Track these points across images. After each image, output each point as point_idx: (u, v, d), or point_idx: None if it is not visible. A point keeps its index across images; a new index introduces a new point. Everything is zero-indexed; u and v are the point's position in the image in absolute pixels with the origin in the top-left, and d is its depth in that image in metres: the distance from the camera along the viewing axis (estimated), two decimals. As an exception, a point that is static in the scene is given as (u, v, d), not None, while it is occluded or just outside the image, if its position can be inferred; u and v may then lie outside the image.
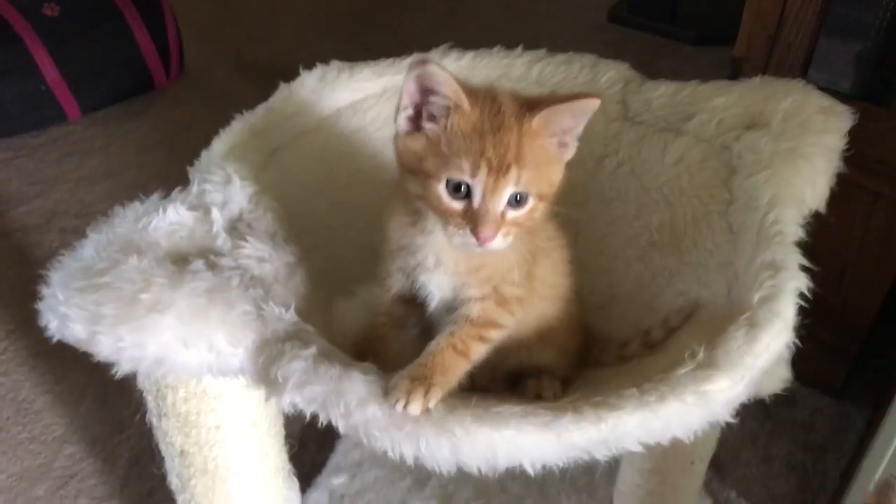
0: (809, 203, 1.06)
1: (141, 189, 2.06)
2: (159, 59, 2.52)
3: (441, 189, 0.81)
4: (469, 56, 1.27)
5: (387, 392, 0.81)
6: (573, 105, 0.82)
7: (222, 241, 0.96)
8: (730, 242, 1.04)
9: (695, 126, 1.17)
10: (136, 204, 0.98)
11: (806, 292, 0.91)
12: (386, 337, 1.00)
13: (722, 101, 1.16)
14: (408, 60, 1.26)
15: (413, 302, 0.97)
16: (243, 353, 0.87)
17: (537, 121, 0.81)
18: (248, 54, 2.88)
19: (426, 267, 0.91)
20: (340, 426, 0.82)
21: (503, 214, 0.81)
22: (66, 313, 0.85)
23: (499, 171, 0.79)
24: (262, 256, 0.96)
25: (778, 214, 0.99)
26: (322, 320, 1.00)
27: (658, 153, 1.18)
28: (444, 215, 0.83)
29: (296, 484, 1.22)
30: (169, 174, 2.22)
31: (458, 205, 0.82)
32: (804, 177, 1.05)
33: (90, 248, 0.91)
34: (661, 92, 1.21)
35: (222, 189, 1.02)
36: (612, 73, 1.25)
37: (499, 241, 0.82)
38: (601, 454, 0.81)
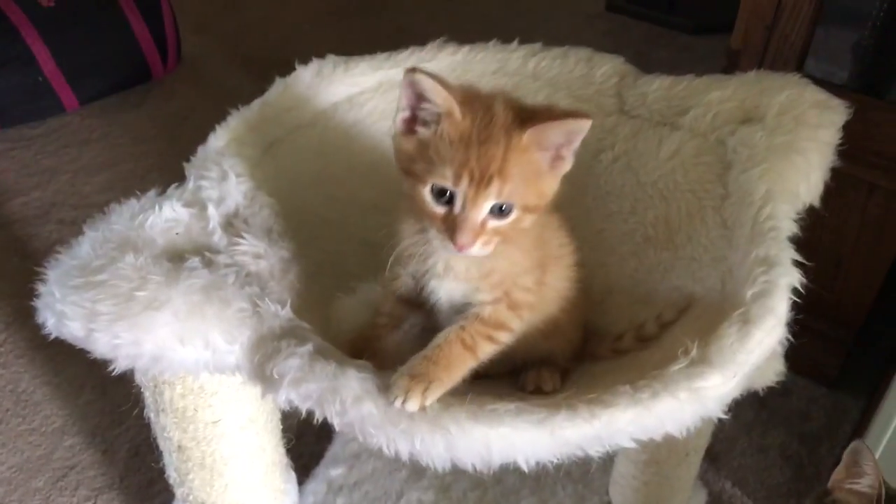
0: (804, 198, 1.06)
1: (139, 180, 2.06)
2: (156, 49, 2.52)
3: (426, 193, 0.83)
4: (464, 50, 1.27)
5: (387, 388, 0.82)
6: (564, 124, 0.82)
7: (218, 237, 0.97)
8: (724, 237, 1.04)
9: (690, 120, 1.17)
10: (133, 201, 0.98)
11: (799, 288, 0.92)
12: (384, 337, 1.01)
13: (717, 95, 1.16)
14: (404, 54, 1.27)
15: (415, 303, 0.98)
16: (239, 350, 0.88)
17: (527, 137, 0.81)
18: (245, 45, 2.87)
19: (436, 273, 0.92)
20: (336, 423, 0.83)
21: (483, 223, 0.82)
22: (63, 311, 0.85)
23: (480, 182, 0.80)
24: (258, 253, 0.97)
25: (772, 210, 0.99)
26: (318, 316, 1.00)
27: (653, 147, 1.18)
28: (429, 219, 0.84)
29: (293, 477, 1.23)
30: (167, 165, 2.24)
31: (440, 210, 0.83)
32: (799, 172, 1.05)
33: (87, 245, 0.91)
34: (657, 86, 1.21)
35: (218, 185, 1.02)
36: (608, 66, 1.25)
37: (477, 249, 0.83)
38: (595, 450, 0.82)
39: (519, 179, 0.81)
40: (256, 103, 1.16)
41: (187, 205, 0.98)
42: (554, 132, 0.82)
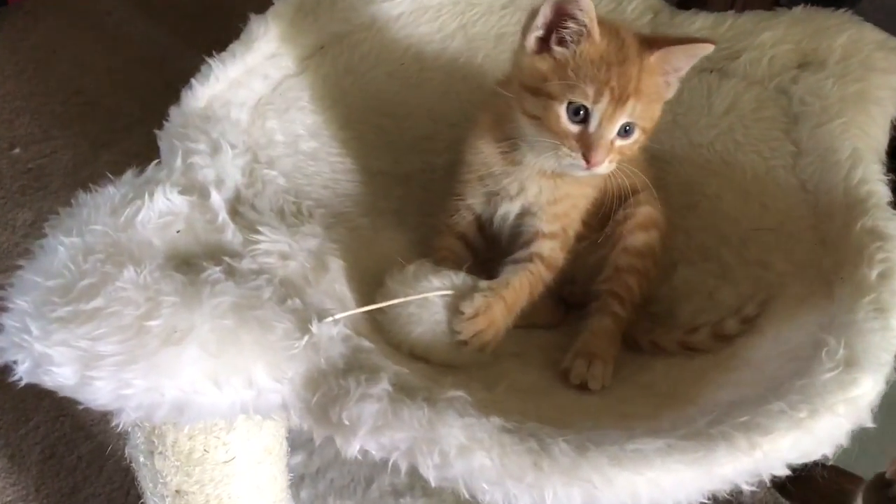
0: (882, 153, 0.96)
1: (6, 126, 1.73)
2: (11, -33, 2.14)
3: (562, 111, 0.84)
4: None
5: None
6: (689, 48, 0.86)
7: (231, 233, 0.75)
8: (805, 203, 0.94)
9: (743, 66, 1.06)
10: (109, 188, 0.74)
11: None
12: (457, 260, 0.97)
13: (769, 36, 1.05)
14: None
15: (472, 241, 1.00)
16: (288, 387, 0.68)
17: (655, 58, 0.85)
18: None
19: (508, 194, 0.94)
20: (431, 477, 0.66)
21: (612, 142, 0.85)
22: (47, 354, 0.62)
23: (619, 100, 0.83)
24: (284, 251, 0.76)
25: (864, 172, 0.90)
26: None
27: (702, 100, 1.06)
28: (560, 137, 0.86)
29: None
30: (39, 109, 1.92)
31: (574, 128, 0.85)
32: (878, 125, 0.97)
33: (62, 256, 0.67)
34: (699, 25, 1.09)
35: (212, 161, 0.79)
36: (638, 1, 1.10)
37: (605, 167, 0.86)
38: (746, 482, 0.69)
39: (646, 100, 0.85)
40: (236, 50, 0.93)
41: (184, 191, 0.75)
42: (678, 55, 0.86)
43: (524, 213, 0.94)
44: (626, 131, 0.85)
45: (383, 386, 0.67)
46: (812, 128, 0.97)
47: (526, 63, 0.87)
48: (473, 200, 0.97)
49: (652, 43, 0.85)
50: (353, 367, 0.68)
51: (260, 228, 0.77)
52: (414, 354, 0.84)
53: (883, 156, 0.97)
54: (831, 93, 0.98)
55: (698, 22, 1.09)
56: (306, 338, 0.68)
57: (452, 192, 0.98)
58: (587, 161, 0.84)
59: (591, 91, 0.83)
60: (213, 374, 0.65)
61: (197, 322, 0.65)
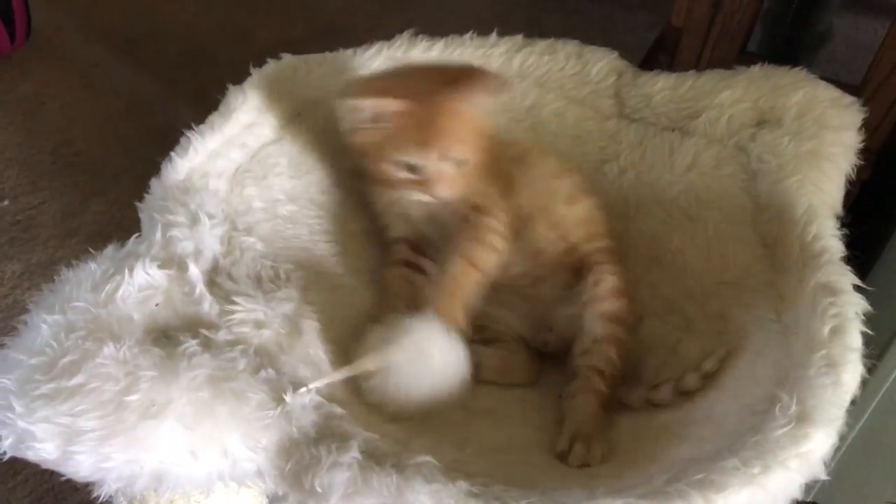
0: (836, 208, 0.99)
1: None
2: (1, 22, 2.16)
3: (390, 170, 0.95)
4: (440, 46, 1.12)
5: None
6: (480, 90, 0.96)
7: (208, 305, 0.78)
8: (765, 258, 0.96)
9: (703, 125, 1.08)
10: (90, 264, 0.77)
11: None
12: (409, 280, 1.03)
13: (728, 95, 1.08)
14: (371, 52, 1.11)
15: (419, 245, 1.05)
16: (263, 456, 0.71)
17: (453, 103, 0.95)
18: (102, 14, 2.53)
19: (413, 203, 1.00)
20: (402, 539, 0.68)
21: (442, 172, 0.94)
22: (30, 430, 0.65)
23: (432, 145, 0.93)
24: (259, 319, 0.79)
25: (819, 228, 0.92)
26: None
27: (665, 157, 1.08)
28: (401, 186, 0.97)
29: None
30: (27, 161, 1.94)
31: (412, 176, 0.95)
32: (832, 181, 0.99)
33: (45, 333, 0.70)
34: (661, 86, 1.11)
35: (191, 233, 0.82)
36: (602, 63, 1.13)
37: (448, 192, 0.96)
38: (705, 538, 0.71)
39: (460, 135, 0.94)
40: (215, 122, 0.95)
41: (163, 265, 0.78)
42: (474, 94, 0.96)
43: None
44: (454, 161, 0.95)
45: (353, 454, 0.69)
46: (770, 184, 0.99)
47: (351, 140, 0.98)
48: (397, 229, 1.05)
49: (451, 82, 0.95)
50: (325, 436, 0.71)
51: (235, 299, 0.79)
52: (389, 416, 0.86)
53: (838, 210, 1.00)
54: (787, 150, 1.01)
55: (660, 83, 1.12)
56: (279, 408, 0.71)
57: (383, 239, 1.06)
58: (432, 196, 0.95)
59: (402, 149, 0.94)
60: (190, 446, 0.68)
61: (174, 395, 0.68)
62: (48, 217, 1.81)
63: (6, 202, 1.84)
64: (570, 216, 1.02)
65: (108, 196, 1.86)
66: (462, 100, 0.95)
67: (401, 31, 1.16)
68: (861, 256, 0.92)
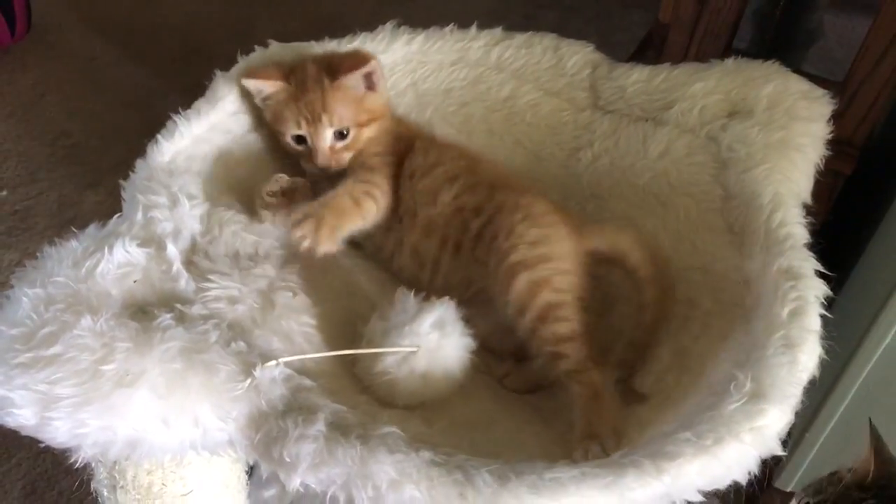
0: (804, 197, 1.02)
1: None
2: (1, 14, 2.20)
3: (288, 142, 1.07)
4: (420, 39, 1.16)
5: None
6: (354, 75, 1.06)
7: (185, 282, 0.81)
8: (732, 244, 0.98)
9: (676, 115, 1.10)
10: (72, 242, 0.80)
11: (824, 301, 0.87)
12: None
13: (701, 87, 1.10)
14: (355, 42, 1.13)
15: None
16: (233, 426, 0.73)
17: (334, 85, 1.05)
18: (102, 7, 2.56)
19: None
20: (366, 507, 0.71)
21: (332, 147, 1.06)
22: (9, 397, 0.68)
23: (315, 121, 1.04)
24: (233, 296, 0.82)
25: (784, 215, 0.94)
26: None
27: (638, 145, 1.11)
28: (296, 155, 1.08)
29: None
30: (26, 152, 1.97)
31: (302, 147, 1.07)
32: (800, 171, 1.01)
33: (25, 306, 0.73)
34: (635, 78, 1.13)
35: (171, 214, 0.85)
36: (578, 57, 1.16)
37: (338, 164, 1.06)
38: (664, 508, 0.74)
39: (342, 110, 1.05)
40: (201, 107, 0.99)
41: (142, 244, 0.81)
42: (352, 79, 1.05)
43: None
44: (342, 135, 1.06)
45: (318, 427, 0.72)
46: (739, 173, 1.01)
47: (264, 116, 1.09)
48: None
49: (336, 71, 1.04)
50: (292, 408, 0.74)
51: (211, 276, 0.82)
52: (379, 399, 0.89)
53: (805, 199, 1.01)
54: (756, 140, 1.03)
55: (634, 75, 1.14)
56: (249, 380, 0.74)
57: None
58: (318, 167, 1.06)
59: (293, 124, 1.05)
60: (163, 414, 0.71)
61: (147, 366, 0.71)
62: (46, 207, 1.85)
63: (4, 192, 1.87)
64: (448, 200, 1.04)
65: (105, 187, 1.89)
66: (341, 80, 1.04)
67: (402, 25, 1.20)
68: (823, 244, 0.94)
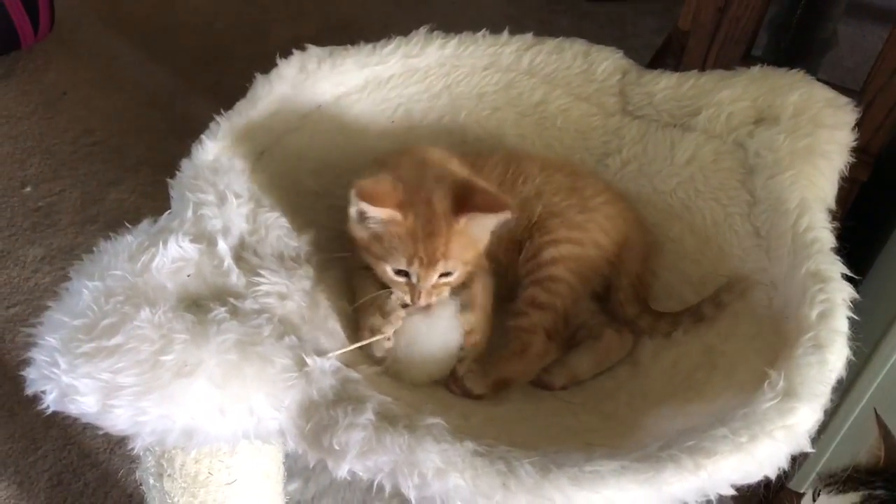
0: (829, 203, 1.04)
1: (18, 166, 1.80)
2: (25, 13, 2.22)
3: (388, 269, 0.97)
4: (453, 43, 1.18)
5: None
6: (491, 217, 0.97)
7: (236, 277, 0.83)
8: (759, 247, 1.01)
9: (703, 121, 1.13)
10: (127, 237, 0.82)
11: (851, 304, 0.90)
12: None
13: (728, 94, 1.13)
14: (389, 48, 1.16)
15: None
16: (285, 415, 0.76)
17: (462, 223, 0.96)
18: (122, 10, 2.59)
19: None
20: (412, 496, 0.74)
21: (434, 284, 0.97)
22: (73, 385, 0.71)
23: (429, 265, 0.95)
24: (282, 292, 0.85)
25: (811, 220, 0.97)
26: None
27: (665, 151, 1.13)
28: (391, 284, 0.98)
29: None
30: (49, 149, 2.00)
31: (401, 279, 0.97)
32: (825, 177, 1.04)
33: (86, 298, 0.75)
34: (664, 84, 1.16)
35: (219, 211, 0.88)
36: (608, 63, 1.18)
37: (433, 300, 0.98)
38: (695, 500, 0.76)
39: (458, 252, 0.96)
40: (242, 108, 1.01)
41: (194, 240, 0.84)
42: (483, 220, 0.97)
43: None
44: (447, 274, 0.97)
45: (368, 416, 0.75)
46: (765, 179, 1.04)
47: (352, 228, 0.98)
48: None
49: (462, 205, 0.95)
50: (342, 398, 0.76)
51: (261, 272, 0.85)
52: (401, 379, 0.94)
53: (830, 204, 1.04)
54: (783, 147, 1.05)
55: (663, 81, 1.17)
56: (301, 371, 0.77)
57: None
58: (414, 304, 0.98)
59: (403, 260, 0.95)
60: (219, 404, 0.73)
61: (205, 357, 0.74)
62: (69, 204, 1.87)
63: (28, 189, 1.89)
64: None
65: (126, 185, 1.91)
66: (466, 222, 0.96)
67: (414, 29, 1.20)
68: (850, 248, 0.97)
